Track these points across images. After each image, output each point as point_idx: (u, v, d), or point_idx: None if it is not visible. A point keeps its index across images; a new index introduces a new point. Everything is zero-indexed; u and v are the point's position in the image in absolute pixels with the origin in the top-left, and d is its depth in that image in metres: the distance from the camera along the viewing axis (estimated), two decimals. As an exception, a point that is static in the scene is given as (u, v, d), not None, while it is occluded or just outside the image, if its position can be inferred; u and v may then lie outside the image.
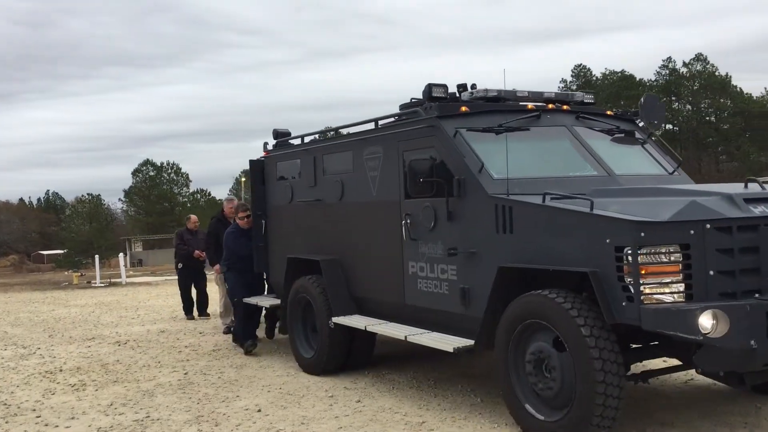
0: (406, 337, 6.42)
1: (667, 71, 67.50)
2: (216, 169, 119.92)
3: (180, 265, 13.15)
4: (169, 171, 78.43)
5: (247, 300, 9.38)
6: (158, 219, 72.49)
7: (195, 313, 13.19)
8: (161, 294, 19.40)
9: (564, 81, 68.92)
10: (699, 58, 66.03)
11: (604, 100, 54.83)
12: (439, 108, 6.37)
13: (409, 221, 6.60)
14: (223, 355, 9.30)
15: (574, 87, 65.73)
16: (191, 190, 79.35)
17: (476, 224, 5.90)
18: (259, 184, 9.38)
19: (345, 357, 7.76)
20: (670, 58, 67.64)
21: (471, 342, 5.85)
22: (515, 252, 5.53)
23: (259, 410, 6.54)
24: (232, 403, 6.83)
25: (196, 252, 12.71)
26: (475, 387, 7.00)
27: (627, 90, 63.24)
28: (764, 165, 55.75)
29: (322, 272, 7.71)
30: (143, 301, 17.57)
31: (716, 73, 65.30)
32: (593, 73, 69.79)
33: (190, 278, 13.09)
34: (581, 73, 70.13)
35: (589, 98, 7.12)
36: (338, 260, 7.74)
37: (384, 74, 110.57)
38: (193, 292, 13.21)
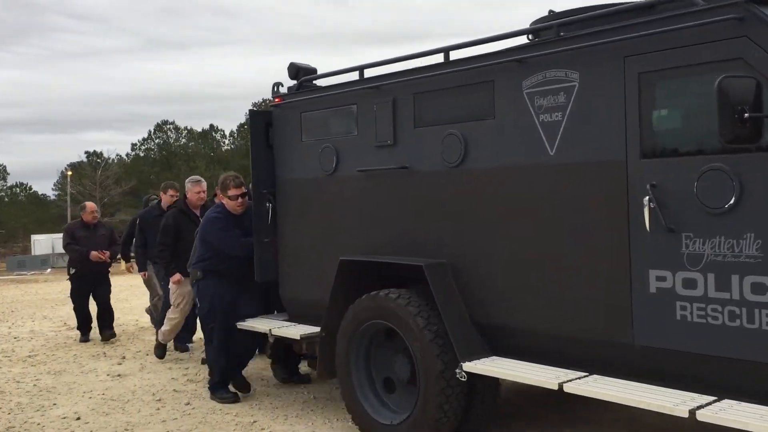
0: (694, 411, 3.66)
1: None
2: (39, 162, 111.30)
3: (72, 270, 10.12)
4: (-17, 163, 73.10)
5: (243, 325, 6.35)
6: (-31, 215, 67.39)
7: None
8: (-29, 297, 17.81)
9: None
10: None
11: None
12: None
13: (656, 198, 4.03)
14: (40, 361, 8.68)
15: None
16: (9, 184, 74.82)
17: None
18: (262, 147, 6.33)
19: (461, 420, 4.99)
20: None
21: None
22: None
23: (79, 418, 6.17)
24: (48, 412, 6.40)
25: (93, 253, 9.75)
26: (307, 385, 7.00)
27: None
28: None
29: (430, 285, 4.91)
30: (-51, 305, 16.05)
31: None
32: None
33: (87, 287, 10.06)
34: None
35: None
36: (450, 266, 5.02)
37: (227, 69, 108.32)
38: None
